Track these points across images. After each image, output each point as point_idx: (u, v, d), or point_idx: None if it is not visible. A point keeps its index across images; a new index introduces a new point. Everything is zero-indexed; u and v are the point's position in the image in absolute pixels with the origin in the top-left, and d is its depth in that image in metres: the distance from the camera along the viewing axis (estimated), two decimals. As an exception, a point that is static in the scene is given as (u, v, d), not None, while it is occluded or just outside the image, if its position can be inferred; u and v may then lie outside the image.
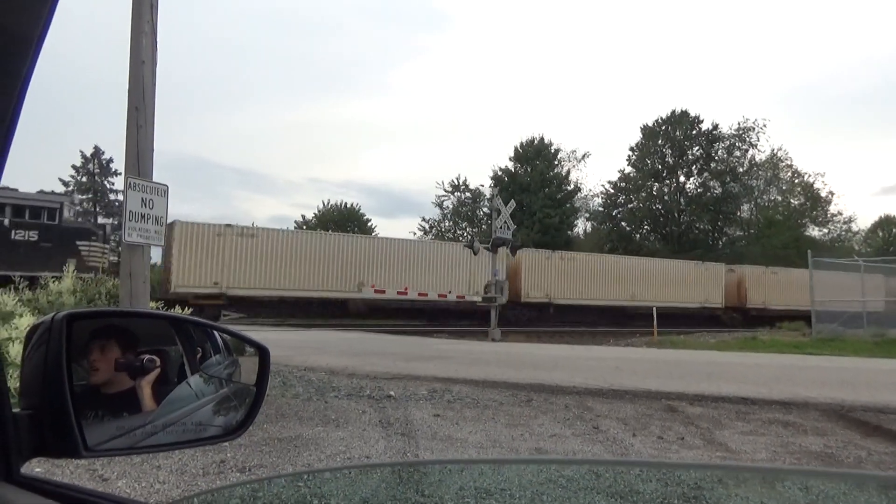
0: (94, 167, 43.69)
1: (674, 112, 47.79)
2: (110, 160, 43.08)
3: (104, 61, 65.25)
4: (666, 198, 48.18)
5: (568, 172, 47.77)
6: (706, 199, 46.90)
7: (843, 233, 49.75)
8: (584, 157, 49.49)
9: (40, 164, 56.82)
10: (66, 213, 20.73)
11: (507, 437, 4.98)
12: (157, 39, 5.79)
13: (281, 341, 11.77)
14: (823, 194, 48.53)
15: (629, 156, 48.98)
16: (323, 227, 44.32)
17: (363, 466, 1.88)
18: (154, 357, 0.83)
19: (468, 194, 48.63)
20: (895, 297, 20.40)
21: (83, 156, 43.31)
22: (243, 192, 75.89)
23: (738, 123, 48.31)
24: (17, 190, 20.15)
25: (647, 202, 47.95)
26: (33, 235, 19.21)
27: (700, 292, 32.20)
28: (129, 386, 0.80)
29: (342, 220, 48.38)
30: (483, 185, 47.71)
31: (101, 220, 38.30)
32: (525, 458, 3.44)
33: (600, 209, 49.57)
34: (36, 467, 2.95)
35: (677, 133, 47.61)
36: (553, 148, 47.08)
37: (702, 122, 47.51)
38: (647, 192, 48.19)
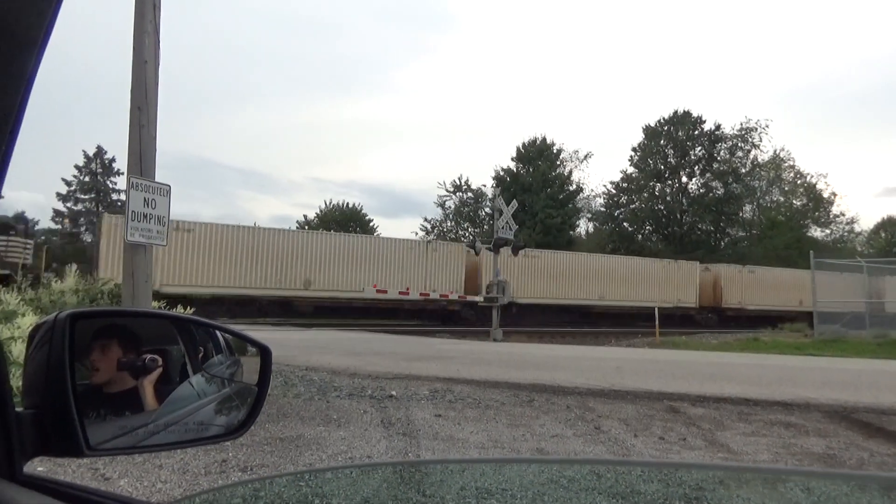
0: (96, 167, 43.77)
1: (676, 112, 47.79)
2: (113, 160, 43.23)
3: (107, 61, 65.39)
4: (668, 198, 48.14)
5: (570, 173, 47.79)
6: (708, 199, 46.85)
7: (846, 234, 49.71)
8: (586, 157, 49.58)
9: (43, 164, 56.94)
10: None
11: (509, 437, 4.98)
12: (160, 39, 5.80)
13: (283, 341, 11.78)
14: (826, 195, 48.52)
15: (631, 156, 49.01)
16: (325, 226, 44.33)
17: (365, 466, 1.88)
18: (156, 356, 0.83)
19: (470, 194, 48.66)
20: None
21: (86, 155, 43.44)
22: (246, 192, 76.04)
23: (741, 124, 48.34)
24: None
25: (650, 203, 47.91)
26: None
27: (673, 292, 31.36)
28: (131, 385, 0.80)
29: (344, 220, 48.44)
30: (485, 186, 47.76)
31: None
32: (526, 458, 3.44)
33: (602, 210, 49.57)
34: (38, 466, 2.96)
35: (679, 133, 47.57)
36: (555, 148, 47.09)
37: (704, 122, 47.51)
38: (650, 192, 48.14)
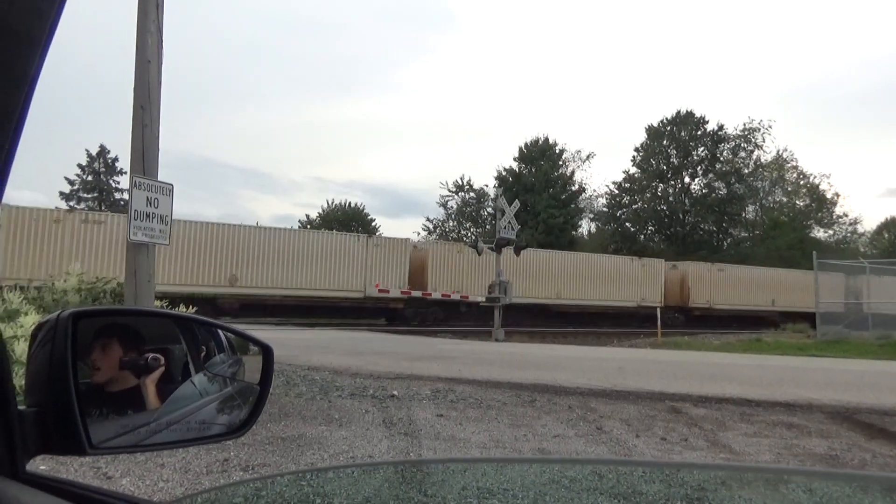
0: (99, 166, 43.84)
1: (679, 112, 47.75)
2: (116, 159, 43.28)
3: (110, 60, 65.53)
4: (671, 198, 48.10)
5: (572, 173, 47.79)
6: (711, 199, 46.81)
7: (849, 234, 49.60)
8: (588, 157, 49.51)
9: (46, 163, 57.06)
10: None
11: (511, 437, 4.98)
12: (163, 38, 5.81)
13: (284, 340, 11.79)
14: (829, 195, 48.43)
15: (634, 156, 48.98)
16: (327, 226, 44.36)
17: (366, 465, 1.88)
18: (158, 355, 0.83)
19: (472, 194, 48.68)
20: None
21: (89, 155, 43.49)
22: (248, 192, 76.08)
23: (744, 124, 48.29)
24: None
25: (652, 203, 47.87)
26: None
27: (636, 290, 30.12)
28: (133, 384, 0.80)
29: (346, 220, 48.47)
30: (487, 186, 47.76)
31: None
32: (528, 458, 3.44)
33: (605, 210, 49.54)
34: (41, 465, 2.97)
35: (682, 133, 47.53)
36: (558, 148, 47.07)
37: (707, 122, 47.47)
38: (652, 192, 48.11)
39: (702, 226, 48.10)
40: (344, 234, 26.45)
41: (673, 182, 48.35)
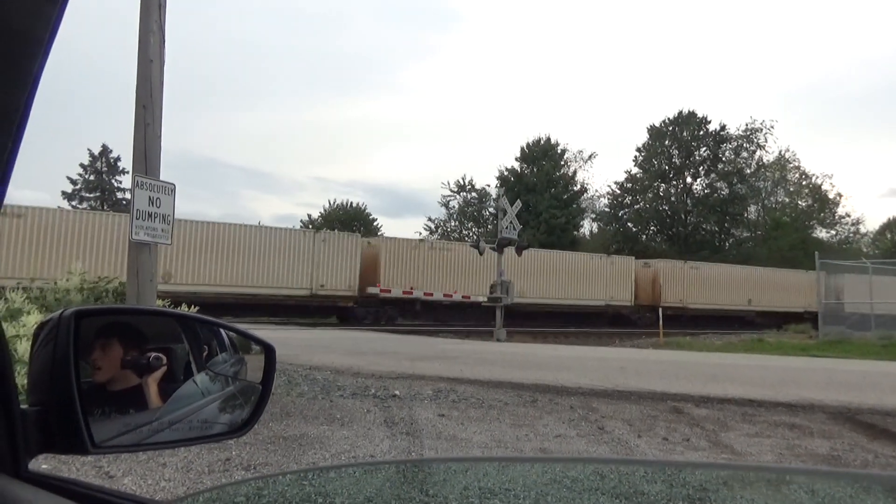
0: (101, 165, 43.88)
1: (681, 113, 47.69)
2: (118, 158, 43.29)
3: (112, 60, 65.62)
4: (673, 199, 48.06)
5: (574, 173, 47.77)
6: (713, 200, 46.76)
7: (851, 235, 49.52)
8: (590, 157, 49.40)
9: (48, 163, 57.14)
10: None
11: (512, 437, 4.98)
12: (165, 38, 5.81)
13: (286, 340, 11.80)
14: (831, 196, 48.34)
15: (636, 156, 48.92)
16: (329, 226, 44.38)
17: (368, 465, 1.88)
18: (160, 355, 0.83)
19: (474, 194, 48.68)
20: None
21: (91, 154, 43.53)
22: (250, 192, 76.15)
23: (746, 124, 48.22)
24: None
25: (654, 203, 47.84)
26: None
27: (604, 289, 28.81)
28: (135, 383, 0.80)
29: (348, 220, 48.46)
30: (489, 186, 47.74)
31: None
32: (530, 458, 3.44)
33: (606, 210, 49.50)
34: (42, 464, 2.97)
35: (684, 134, 47.49)
36: (559, 148, 47.06)
37: (709, 122, 47.42)
38: (654, 192, 48.08)
39: (704, 226, 48.06)
40: (289, 230, 24.81)
41: (675, 182, 48.30)
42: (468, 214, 48.91)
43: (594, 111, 76.05)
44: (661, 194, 48.28)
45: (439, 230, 49.17)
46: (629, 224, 48.57)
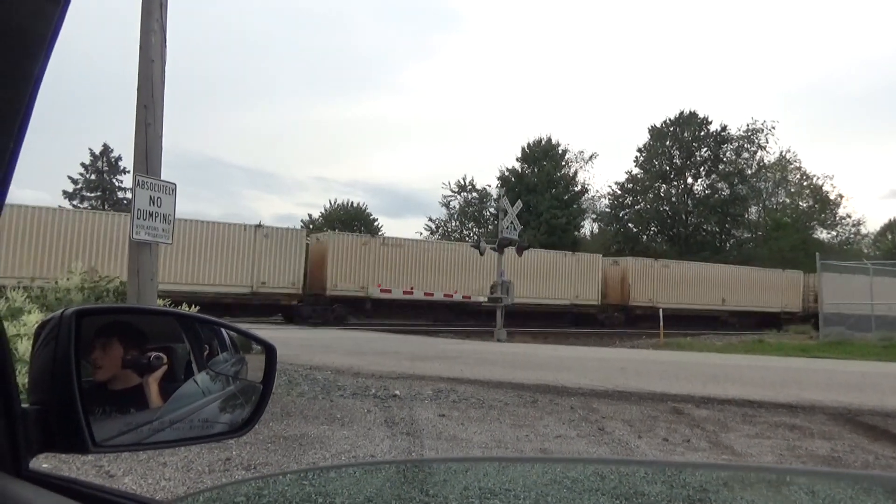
0: (102, 165, 43.93)
1: (682, 113, 47.68)
2: (119, 158, 43.34)
3: (114, 59, 65.60)
4: (673, 199, 48.05)
5: (575, 173, 47.77)
6: (714, 200, 46.74)
7: (852, 236, 49.49)
8: (591, 157, 49.41)
9: (49, 162, 57.19)
10: None
11: (513, 437, 4.98)
12: (167, 37, 5.82)
13: (286, 340, 11.80)
14: (832, 197, 48.32)
15: (637, 157, 48.91)
16: (330, 226, 44.39)
17: (368, 465, 1.88)
18: (161, 354, 0.83)
19: (475, 194, 48.69)
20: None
21: (92, 153, 43.59)
22: (252, 191, 76.17)
23: (747, 125, 48.20)
24: None
25: (655, 203, 47.83)
26: None
27: (569, 288, 27.53)
28: (136, 382, 0.80)
29: (349, 220, 48.50)
30: (490, 186, 47.78)
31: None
32: (530, 458, 3.44)
33: (607, 210, 49.49)
34: (43, 463, 2.97)
35: (685, 134, 47.48)
36: (560, 148, 47.07)
37: (710, 123, 47.40)
38: (655, 193, 48.07)
39: (704, 227, 48.04)
40: (227, 224, 23.31)
41: (676, 183, 48.29)
42: (469, 215, 48.94)
43: (595, 111, 76.09)
44: (662, 195, 48.27)
45: (440, 230, 49.20)
46: (630, 225, 48.56)
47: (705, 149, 47.59)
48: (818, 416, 6.16)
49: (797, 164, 48.91)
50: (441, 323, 24.15)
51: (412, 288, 24.92)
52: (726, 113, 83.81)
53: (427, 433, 4.96)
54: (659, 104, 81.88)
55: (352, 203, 51.63)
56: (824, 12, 74.79)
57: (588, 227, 51.38)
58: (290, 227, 25.05)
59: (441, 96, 75.68)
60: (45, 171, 60.95)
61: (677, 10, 76.72)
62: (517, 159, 47.20)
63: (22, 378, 0.86)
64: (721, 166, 47.54)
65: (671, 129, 47.93)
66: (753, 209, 48.89)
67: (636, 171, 48.74)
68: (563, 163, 47.06)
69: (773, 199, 49.30)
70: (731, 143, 47.82)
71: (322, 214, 50.55)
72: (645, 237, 48.29)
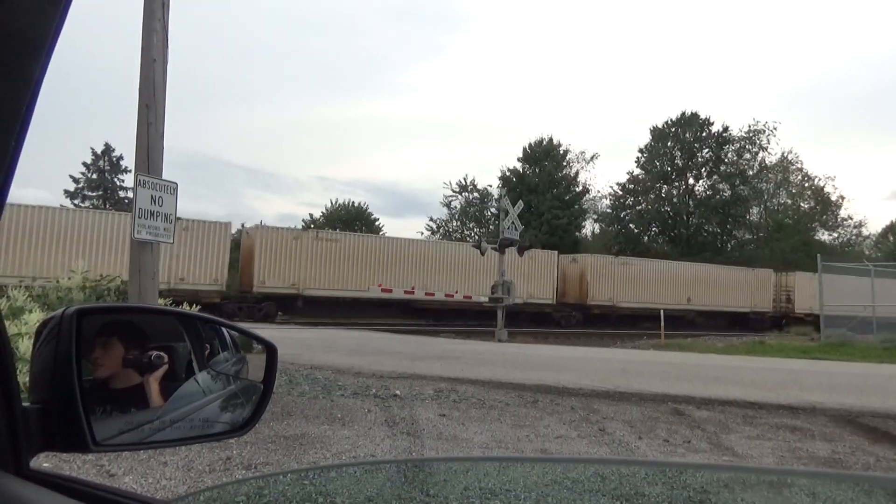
0: (104, 164, 43.93)
1: (684, 114, 47.61)
2: (121, 157, 43.31)
3: (116, 59, 65.60)
4: (675, 200, 48.01)
5: (576, 173, 47.73)
6: (715, 201, 46.70)
7: (854, 237, 49.44)
8: (592, 158, 49.37)
9: (51, 161, 57.24)
10: None
11: (513, 437, 4.98)
12: (169, 37, 5.82)
13: (287, 339, 11.80)
14: (834, 198, 48.27)
15: (638, 157, 48.83)
16: (331, 225, 44.40)
17: (368, 464, 1.89)
18: (162, 353, 0.83)
19: (476, 194, 48.66)
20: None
21: (94, 153, 43.58)
22: (253, 191, 76.09)
23: (749, 126, 48.14)
24: None
25: (656, 204, 47.78)
26: None
27: (522, 285, 25.70)
28: (137, 382, 0.80)
29: (349, 219, 48.49)
30: (491, 186, 47.73)
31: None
32: (530, 458, 3.44)
33: (608, 211, 49.46)
34: (44, 462, 2.97)
35: (687, 135, 47.43)
36: (562, 149, 47.04)
37: (712, 124, 47.33)
38: (656, 193, 48.02)
39: (706, 227, 47.99)
40: (64, 209, 21.48)
41: (677, 183, 48.25)
42: (470, 215, 48.91)
43: (596, 112, 76.05)
44: (664, 195, 48.22)
45: (441, 230, 49.19)
46: (631, 225, 48.52)
47: (707, 150, 47.54)
48: (819, 418, 6.15)
49: (799, 166, 48.91)
50: (381, 321, 23.10)
51: (376, 286, 23.80)
52: (728, 114, 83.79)
53: (428, 433, 4.97)
54: (660, 105, 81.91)
55: (353, 203, 51.65)
56: (826, 13, 74.76)
57: (589, 227, 51.42)
58: (215, 220, 23.23)
59: (442, 96, 75.71)
60: (47, 171, 61.06)
61: (679, 10, 76.70)
62: (518, 159, 47.20)
63: (23, 377, 0.86)
64: (722, 167, 47.49)
65: (673, 129, 47.89)
66: (755, 210, 48.85)
67: (637, 171, 48.73)
68: (565, 163, 47.05)
69: (774, 201, 49.25)
70: (732, 144, 47.77)
71: (323, 214, 50.59)
72: (646, 238, 48.24)
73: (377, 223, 51.02)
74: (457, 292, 25.01)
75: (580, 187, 47.51)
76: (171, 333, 0.90)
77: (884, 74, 72.59)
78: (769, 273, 32.87)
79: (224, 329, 0.98)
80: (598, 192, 57.69)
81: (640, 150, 48.84)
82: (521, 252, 19.04)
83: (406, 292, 23.98)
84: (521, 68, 77.68)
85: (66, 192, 43.23)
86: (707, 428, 5.60)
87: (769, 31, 74.18)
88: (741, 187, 47.04)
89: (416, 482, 1.04)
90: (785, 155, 48.68)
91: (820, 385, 8.34)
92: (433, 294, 24.46)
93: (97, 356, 0.78)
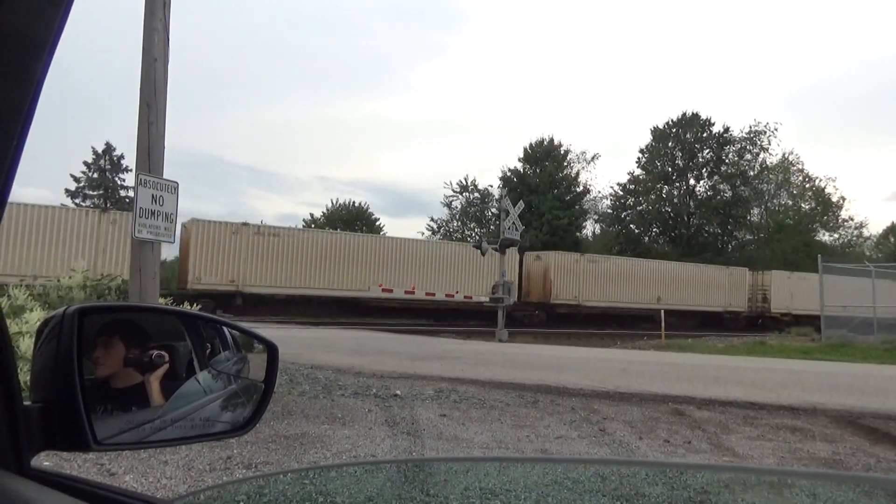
0: (105, 163, 43.94)
1: (685, 114, 47.59)
2: (122, 156, 43.31)
3: (117, 58, 65.66)
4: (675, 200, 47.98)
5: (577, 174, 47.71)
6: (716, 202, 46.68)
7: (854, 238, 49.42)
8: (593, 158, 49.34)
9: (51, 160, 57.27)
10: None
11: (513, 438, 4.98)
12: (170, 36, 5.83)
13: (288, 339, 11.80)
14: (834, 199, 48.25)
15: (639, 158, 48.83)
16: (331, 225, 44.40)
17: (369, 464, 1.88)
18: (163, 352, 0.83)
19: (477, 195, 48.64)
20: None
21: (95, 152, 43.59)
22: (254, 190, 76.20)
23: (750, 126, 48.12)
24: None
25: (657, 205, 47.75)
26: None
27: (480, 283, 25.00)
28: (138, 381, 0.80)
29: (350, 219, 48.49)
30: (492, 186, 47.72)
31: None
32: (531, 458, 3.44)
33: (609, 211, 49.44)
34: (44, 461, 2.97)
35: (688, 135, 47.40)
36: (563, 149, 47.01)
37: (713, 124, 47.31)
38: (657, 194, 47.99)
39: (706, 228, 47.96)
40: (66, 208, 20.93)
41: (678, 184, 48.22)
42: (471, 215, 48.88)
43: (597, 112, 76.04)
44: (664, 196, 48.19)
45: (441, 230, 49.18)
46: (632, 226, 48.50)
47: (708, 150, 47.51)
48: (820, 419, 6.15)
49: (799, 166, 48.90)
50: (330, 318, 22.66)
51: (328, 283, 23.29)
52: (729, 114, 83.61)
53: (428, 433, 4.97)
54: (661, 105, 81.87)
55: (354, 202, 51.65)
56: (827, 13, 74.68)
57: (590, 227, 51.40)
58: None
59: (443, 96, 75.72)
60: (48, 170, 61.09)
61: (680, 11, 76.65)
62: (519, 159, 47.18)
63: (24, 376, 0.86)
64: (723, 168, 47.46)
65: (673, 130, 47.86)
66: (756, 211, 48.84)
67: (638, 172, 48.71)
68: (566, 163, 47.01)
69: (775, 201, 49.24)
70: (733, 145, 47.75)
71: (324, 214, 50.59)
72: (647, 238, 48.22)
73: (378, 223, 51.07)
74: (414, 288, 24.50)
75: (581, 188, 47.53)
76: (172, 332, 0.90)
77: (884, 75, 72.56)
78: (744, 272, 32.30)
79: (225, 328, 0.98)
80: (599, 192, 57.64)
81: (641, 151, 48.85)
82: (521, 252, 19.03)
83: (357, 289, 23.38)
84: (522, 68, 77.70)
85: (66, 191, 43.24)
86: (707, 428, 5.60)
87: (769, 32, 74.15)
88: (742, 188, 47.02)
89: (416, 482, 1.04)
90: (786, 156, 48.71)
91: (821, 386, 8.34)
92: (391, 291, 23.91)
93: (98, 355, 0.78)
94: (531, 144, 46.92)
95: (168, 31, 5.79)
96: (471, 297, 25.03)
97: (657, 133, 48.29)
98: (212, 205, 79.85)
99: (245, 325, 1.07)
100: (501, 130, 77.00)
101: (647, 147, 48.66)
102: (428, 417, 5.50)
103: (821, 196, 48.23)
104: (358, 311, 24.30)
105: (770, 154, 48.35)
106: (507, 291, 17.29)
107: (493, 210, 44.45)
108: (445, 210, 49.60)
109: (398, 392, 6.59)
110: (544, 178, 44.55)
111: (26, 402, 0.70)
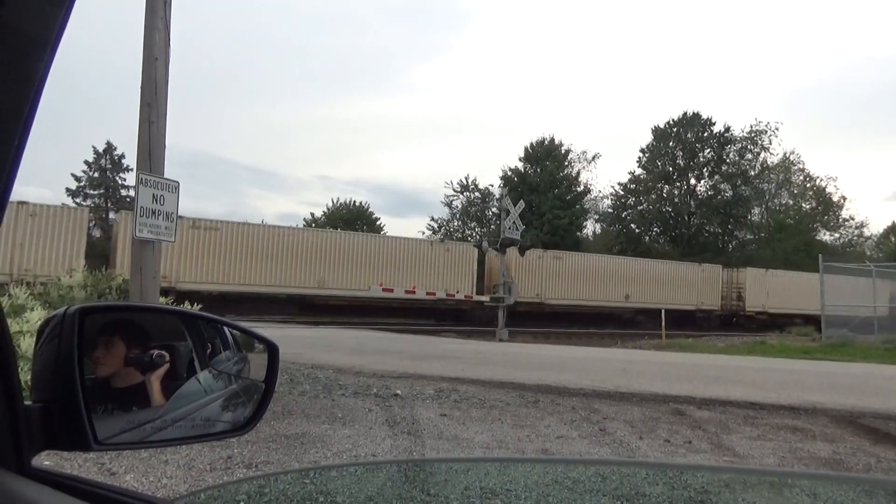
0: (106, 163, 43.93)
1: (685, 114, 47.57)
2: (122, 156, 43.28)
3: (118, 57, 65.66)
4: (676, 200, 47.96)
5: (578, 173, 47.67)
6: (717, 201, 46.66)
7: (855, 238, 49.41)
8: (594, 158, 49.29)
9: (52, 159, 57.25)
10: None
11: (514, 437, 4.98)
12: (171, 36, 5.83)
13: (288, 338, 11.81)
14: (835, 198, 48.24)
15: (640, 157, 48.79)
16: (332, 225, 44.38)
17: (369, 464, 1.89)
18: (163, 352, 0.83)
19: (477, 194, 48.63)
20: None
21: (95, 151, 43.58)
22: (255, 190, 76.06)
23: (750, 126, 48.09)
24: None
25: (657, 204, 47.74)
26: None
27: (440, 280, 24.41)
28: (138, 380, 0.80)
29: (351, 219, 48.48)
30: (492, 185, 47.69)
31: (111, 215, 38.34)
32: (531, 458, 3.44)
33: (610, 211, 49.43)
34: (45, 460, 2.98)
35: (688, 135, 47.39)
36: (563, 149, 46.97)
37: (713, 124, 47.29)
38: (658, 194, 47.98)
39: (707, 228, 47.95)
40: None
41: (678, 184, 48.21)
42: (471, 214, 48.87)
43: (598, 112, 75.96)
44: (665, 196, 48.18)
45: (442, 230, 49.17)
46: (632, 225, 48.49)
47: (708, 150, 47.50)
48: (820, 419, 6.15)
49: (800, 166, 48.87)
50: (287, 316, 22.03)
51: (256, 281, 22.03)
52: (730, 114, 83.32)
53: (428, 433, 4.97)
54: (662, 105, 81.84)
55: (354, 202, 51.64)
56: (828, 13, 74.62)
57: (590, 227, 51.38)
58: (71, 206, 21.37)
59: (444, 96, 75.65)
60: (49, 169, 61.04)
61: (681, 10, 76.61)
62: (520, 159, 47.14)
63: (25, 375, 0.86)
64: (724, 167, 47.44)
65: (674, 129, 47.84)
66: (756, 211, 48.82)
67: (639, 171, 48.68)
68: (566, 163, 46.98)
69: (776, 201, 49.22)
70: (734, 145, 47.73)
71: (325, 213, 50.58)
72: (647, 238, 48.22)
73: (378, 222, 51.07)
74: (381, 285, 23.66)
75: (581, 187, 47.49)
76: (172, 332, 0.90)
77: (886, 74, 72.50)
78: (718, 269, 31.43)
79: (226, 328, 0.98)
80: (600, 191, 57.51)
81: (642, 150, 48.83)
82: (522, 252, 19.05)
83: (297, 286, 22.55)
84: (523, 68, 77.65)
85: (67, 190, 43.22)
86: (708, 428, 5.60)
87: (770, 32, 74.09)
88: (743, 187, 47.00)
89: (416, 482, 1.04)
90: (786, 155, 48.68)
91: (821, 385, 8.33)
92: (338, 288, 23.14)
93: (99, 355, 0.78)
94: (532, 144, 46.92)
95: (169, 31, 5.80)
96: (454, 295, 24.39)
97: (658, 132, 48.27)
98: (212, 204, 79.79)
99: (245, 324, 1.07)
100: (502, 130, 76.97)
101: (647, 146, 48.66)
102: (428, 417, 5.51)
103: (821, 196, 48.22)
104: (307, 309, 23.49)
105: (771, 154, 48.38)
106: (508, 291, 17.29)
107: (494, 210, 44.45)
108: (446, 210, 49.65)
109: (399, 392, 6.59)
110: (545, 177, 44.53)
111: (27, 402, 0.70)
